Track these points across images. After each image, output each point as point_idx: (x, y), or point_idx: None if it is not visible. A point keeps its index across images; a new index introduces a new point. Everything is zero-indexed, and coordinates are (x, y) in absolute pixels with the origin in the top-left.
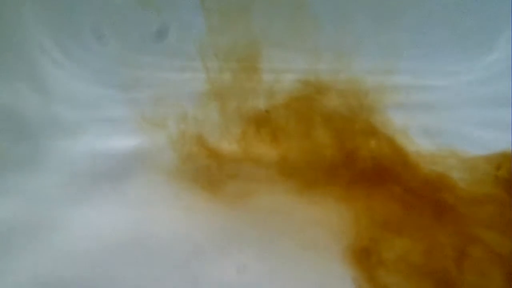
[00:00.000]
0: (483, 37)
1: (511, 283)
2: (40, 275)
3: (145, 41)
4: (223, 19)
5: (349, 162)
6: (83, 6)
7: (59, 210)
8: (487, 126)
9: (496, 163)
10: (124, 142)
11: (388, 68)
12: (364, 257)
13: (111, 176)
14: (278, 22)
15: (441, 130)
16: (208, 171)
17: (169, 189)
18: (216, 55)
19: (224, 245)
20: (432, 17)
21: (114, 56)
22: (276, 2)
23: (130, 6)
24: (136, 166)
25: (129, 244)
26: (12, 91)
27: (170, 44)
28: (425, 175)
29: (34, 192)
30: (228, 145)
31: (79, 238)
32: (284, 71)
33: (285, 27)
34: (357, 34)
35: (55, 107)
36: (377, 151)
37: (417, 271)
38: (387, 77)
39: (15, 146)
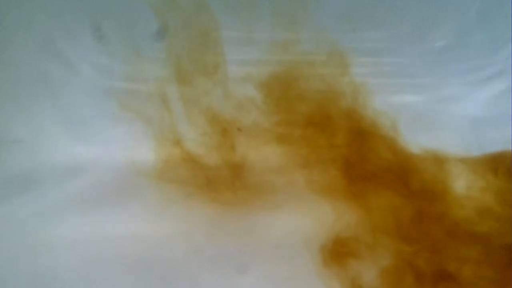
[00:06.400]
0: (483, 38)
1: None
2: None
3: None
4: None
5: (347, 165)
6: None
7: None
8: (486, 126)
9: (494, 165)
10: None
11: (386, 69)
12: (353, 260)
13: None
14: None
15: (439, 131)
16: (193, 177)
17: (160, 192)
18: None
19: (224, 245)
20: (431, 19)
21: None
22: None
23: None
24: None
25: (127, 245)
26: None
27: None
28: (422, 180)
29: None
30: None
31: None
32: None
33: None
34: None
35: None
36: (375, 154)
37: (407, 278)
38: (386, 78)
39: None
